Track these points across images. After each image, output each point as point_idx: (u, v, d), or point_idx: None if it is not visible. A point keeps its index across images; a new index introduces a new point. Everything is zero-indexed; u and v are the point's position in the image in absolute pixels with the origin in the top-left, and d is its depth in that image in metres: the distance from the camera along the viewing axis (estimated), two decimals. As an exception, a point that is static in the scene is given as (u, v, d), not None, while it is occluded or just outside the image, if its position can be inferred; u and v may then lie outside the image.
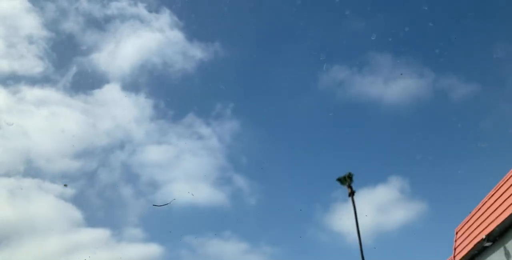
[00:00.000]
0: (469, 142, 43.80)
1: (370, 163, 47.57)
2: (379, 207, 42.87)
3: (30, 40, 48.45)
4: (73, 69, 48.56)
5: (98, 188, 42.66)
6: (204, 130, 48.43)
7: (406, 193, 43.39)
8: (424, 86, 49.55)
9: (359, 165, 47.91)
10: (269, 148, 49.86)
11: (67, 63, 49.68)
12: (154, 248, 38.06)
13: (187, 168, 45.27)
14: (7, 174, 40.01)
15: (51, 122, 44.88)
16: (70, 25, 50.46)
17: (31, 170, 41.02)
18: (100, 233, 38.31)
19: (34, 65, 47.13)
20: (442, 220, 39.63)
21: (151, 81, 51.69)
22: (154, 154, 45.85)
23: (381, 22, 54.59)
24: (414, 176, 44.27)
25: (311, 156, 49.32)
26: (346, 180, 32.57)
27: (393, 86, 50.42)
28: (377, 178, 44.81)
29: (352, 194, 32.28)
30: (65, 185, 40.58)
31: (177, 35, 52.76)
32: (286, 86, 54.50)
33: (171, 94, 52.36)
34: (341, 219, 41.14)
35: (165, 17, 52.98)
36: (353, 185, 32.60)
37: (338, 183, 33.10)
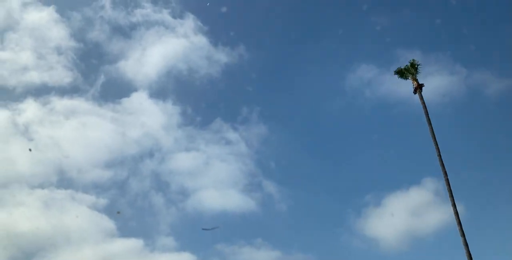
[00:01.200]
0: (508, 140, 42.42)
1: (403, 165, 46.56)
2: (413, 210, 41.83)
3: (59, 51, 49.26)
4: (101, 78, 49.20)
5: (129, 197, 42.99)
6: (232, 135, 48.36)
7: (441, 195, 42.13)
8: (456, 82, 48.22)
9: (391, 167, 46.87)
10: (297, 151, 49.47)
11: (95, 72, 50.23)
12: (186, 257, 38.03)
13: (216, 174, 45.21)
14: (41, 186, 40.77)
15: (81, 132, 45.48)
16: (96, 34, 51.12)
17: (63, 181, 41.69)
18: (134, 243, 38.49)
19: (63, 76, 47.92)
20: (480, 223, 38.41)
21: (177, 88, 51.95)
22: (183, 161, 45.96)
23: (408, 18, 53.42)
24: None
25: (341, 159, 48.70)
26: (409, 70, 27.01)
27: (424, 83, 49.21)
28: (410, 181, 43.77)
29: (419, 88, 26.73)
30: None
31: (201, 40, 52.85)
32: (313, 87, 53.99)
33: (197, 100, 52.59)
34: (374, 224, 40.68)
35: (189, 23, 53.13)
36: (418, 77, 26.45)
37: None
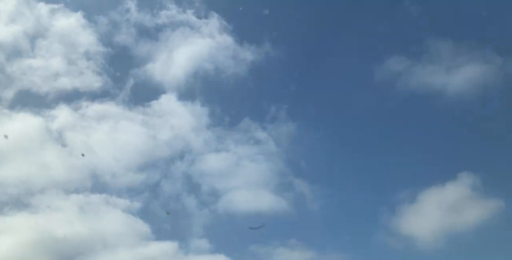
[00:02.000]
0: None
1: (437, 160, 45.36)
2: (450, 207, 40.79)
3: (88, 56, 49.93)
4: (130, 82, 49.65)
5: (162, 200, 43.45)
6: (261, 134, 48.10)
7: (478, 190, 40.93)
8: (491, 72, 46.48)
9: (425, 162, 45.76)
10: (327, 149, 48.78)
11: (124, 76, 50.66)
12: (221, 259, 38.24)
13: (247, 175, 45.13)
14: (76, 191, 41.62)
15: (113, 137, 46.13)
16: (124, 37, 51.52)
17: (98, 185, 42.41)
18: (168, 246, 38.95)
19: (93, 81, 48.56)
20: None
21: (205, 88, 51.94)
22: (213, 162, 46.06)
23: (438, 5, 51.69)
24: (486, 172, 41.59)
25: (372, 155, 47.78)
26: None
27: (457, 74, 47.70)
28: (445, 176, 42.42)
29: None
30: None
31: (227, 39, 52.60)
32: (341, 82, 53.06)
33: (225, 100, 52.39)
34: (409, 221, 39.84)
35: (213, 22, 52.93)
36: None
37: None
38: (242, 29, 54.30)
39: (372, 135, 49.67)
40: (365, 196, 44.49)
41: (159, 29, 52.87)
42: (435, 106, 48.38)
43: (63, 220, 39.21)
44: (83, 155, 42.48)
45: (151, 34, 52.70)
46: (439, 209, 40.49)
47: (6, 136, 38.59)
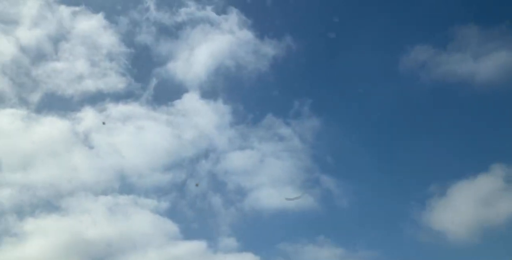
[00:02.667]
0: None
1: (468, 151, 44.14)
2: (482, 199, 39.60)
3: (111, 57, 50.24)
4: (153, 81, 49.84)
5: (189, 199, 43.54)
6: (284, 130, 47.67)
7: None
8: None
9: (455, 154, 44.55)
10: (353, 143, 47.99)
11: (147, 76, 50.90)
12: (249, 258, 38.10)
13: (272, 172, 44.81)
14: (104, 192, 42.06)
15: (139, 137, 46.42)
16: (144, 36, 51.65)
17: (125, 186, 42.76)
18: (197, 245, 39.03)
19: (117, 82, 48.92)
20: None
21: (227, 86, 51.74)
22: (238, 160, 45.90)
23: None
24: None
25: (400, 148, 46.80)
26: None
27: (485, 61, 46.26)
28: (477, 168, 41.18)
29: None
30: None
31: (247, 35, 52.18)
32: (364, 74, 52.07)
33: (247, 97, 52.09)
34: (440, 216, 38.90)
35: (233, 17, 52.54)
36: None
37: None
38: (262, 24, 53.80)
39: (399, 128, 48.78)
40: (393, 190, 43.69)
41: (179, 27, 52.86)
42: (463, 96, 47.17)
43: (93, 222, 39.69)
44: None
45: (171, 32, 52.75)
46: (471, 202, 39.47)
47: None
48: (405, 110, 49.46)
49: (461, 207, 38.89)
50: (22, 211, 39.61)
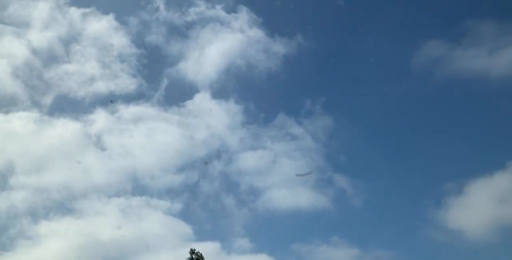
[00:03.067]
0: None
1: (484, 148, 43.23)
2: (500, 197, 38.75)
3: (121, 58, 50.22)
4: (164, 82, 49.72)
5: (202, 200, 43.39)
6: (296, 130, 47.21)
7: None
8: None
9: (471, 151, 43.78)
10: (366, 142, 47.42)
11: (158, 76, 50.88)
12: (264, 259, 37.80)
13: (285, 172, 44.32)
14: (117, 194, 42.05)
15: (151, 139, 46.38)
16: (155, 37, 51.52)
17: (138, 188, 42.73)
18: (211, 247, 38.65)
19: (128, 83, 48.86)
20: None
21: (238, 85, 51.46)
22: (250, 160, 45.61)
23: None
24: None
25: (414, 146, 46.10)
26: None
27: (501, 56, 45.31)
28: (493, 165, 40.37)
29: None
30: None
31: (257, 33, 51.74)
32: (376, 71, 51.39)
33: (259, 96, 51.75)
34: (457, 214, 38.15)
35: (243, 16, 52.13)
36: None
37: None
38: (272, 22, 53.34)
39: (413, 125, 48.03)
40: (408, 189, 43.11)
41: (189, 26, 52.65)
42: (478, 92, 46.28)
43: (106, 224, 39.68)
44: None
45: (181, 32, 52.57)
46: (488, 200, 38.68)
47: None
48: (419, 107, 48.81)
49: (478, 205, 38.23)
50: (37, 214, 39.84)
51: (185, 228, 39.95)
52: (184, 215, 41.31)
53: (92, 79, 48.86)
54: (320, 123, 47.98)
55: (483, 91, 46.23)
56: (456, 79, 47.15)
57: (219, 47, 51.96)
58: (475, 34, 47.26)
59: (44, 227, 39.39)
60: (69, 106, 47.98)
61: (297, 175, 35.86)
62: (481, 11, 48.95)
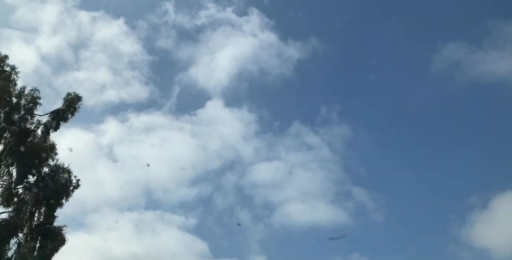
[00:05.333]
0: None
1: (510, 160, 41.46)
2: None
3: (132, 64, 49.02)
4: (176, 89, 48.46)
5: (216, 214, 42.19)
6: (312, 139, 45.75)
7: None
8: None
9: (495, 163, 42.03)
10: (387, 152, 45.97)
11: (169, 83, 49.70)
12: (283, 277, 36.68)
13: (301, 185, 43.07)
14: (130, 208, 41.01)
15: (163, 149, 45.23)
16: (164, 41, 50.13)
17: (151, 202, 41.67)
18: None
19: (139, 91, 47.72)
20: None
21: (251, 92, 50.06)
22: (265, 172, 44.34)
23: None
24: None
25: (437, 157, 44.53)
26: None
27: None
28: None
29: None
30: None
31: (270, 37, 50.21)
32: (395, 76, 49.75)
33: (272, 104, 50.39)
34: (482, 231, 36.63)
35: (254, 19, 50.60)
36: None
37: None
38: (285, 25, 51.64)
39: (434, 134, 46.47)
40: (431, 203, 41.52)
41: (199, 30, 51.26)
42: (503, 98, 44.30)
43: (120, 239, 38.63)
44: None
45: (191, 35, 51.15)
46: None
47: None
48: (440, 115, 47.10)
49: (505, 221, 36.32)
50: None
51: (201, 245, 38.87)
52: (199, 231, 40.33)
53: (103, 87, 47.77)
54: (337, 132, 46.54)
55: (507, 97, 44.32)
56: (478, 84, 45.39)
57: (230, 52, 50.65)
58: (497, 35, 45.36)
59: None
60: (79, 115, 46.68)
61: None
62: (502, 11, 47.03)
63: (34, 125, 19.30)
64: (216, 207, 42.31)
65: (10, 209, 18.38)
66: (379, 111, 48.46)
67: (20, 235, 18.39)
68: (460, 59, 45.17)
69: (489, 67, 44.15)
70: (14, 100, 18.90)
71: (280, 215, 41.00)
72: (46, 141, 19.40)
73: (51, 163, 19.24)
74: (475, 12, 48.57)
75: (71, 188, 19.26)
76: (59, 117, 19.96)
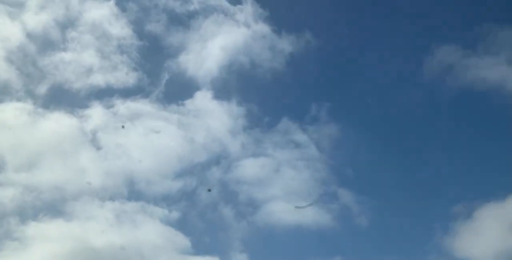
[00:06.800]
0: None
1: (498, 169, 41.16)
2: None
3: (122, 49, 47.48)
4: (165, 76, 47.10)
5: (200, 209, 41.35)
6: (300, 137, 44.99)
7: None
8: None
9: (483, 171, 42.00)
10: (374, 154, 45.46)
11: (158, 70, 48.03)
12: (263, 277, 36.36)
13: (287, 184, 42.35)
14: (112, 198, 39.99)
15: (148, 139, 43.98)
16: (154, 25, 48.52)
17: (134, 193, 40.66)
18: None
19: (127, 76, 46.25)
20: None
21: (240, 85, 48.83)
22: (251, 168, 43.39)
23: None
24: None
25: (425, 162, 44.32)
26: None
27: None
28: (508, 187, 37.23)
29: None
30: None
31: (263, 28, 49.07)
32: (388, 78, 49.32)
33: (262, 98, 49.10)
34: (465, 242, 36.78)
35: (248, 8, 49.39)
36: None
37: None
38: (279, 17, 50.35)
39: (423, 139, 46.13)
40: (416, 209, 41.28)
41: (191, 16, 49.65)
42: (494, 104, 44.19)
43: (99, 229, 37.77)
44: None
45: (182, 21, 49.56)
46: (500, 226, 36.61)
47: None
48: (430, 119, 46.89)
49: (489, 232, 36.36)
50: (25, 214, 37.74)
51: (183, 240, 38.18)
52: (182, 225, 39.47)
53: (89, 70, 46.14)
54: (325, 131, 45.88)
55: (499, 105, 44.23)
56: (470, 90, 45.18)
57: (222, 41, 49.26)
58: (493, 41, 45.08)
59: (32, 228, 37.38)
60: (64, 98, 45.28)
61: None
62: (500, 16, 46.76)
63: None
64: (200, 202, 41.54)
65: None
66: (367, 112, 47.93)
67: None
68: (453, 63, 44.89)
69: (482, 73, 43.94)
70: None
71: (263, 213, 40.49)
72: None
73: None
74: (471, 15, 48.32)
75: None
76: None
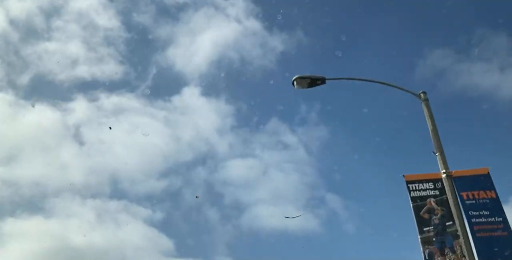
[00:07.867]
0: None
1: (494, 174, 40.63)
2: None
3: (109, 41, 45.77)
4: (152, 70, 45.31)
5: (184, 211, 39.65)
6: (289, 138, 43.49)
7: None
8: None
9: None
10: (365, 159, 44.33)
11: (145, 64, 46.26)
12: (248, 282, 35.05)
13: (274, 186, 40.74)
14: (93, 196, 38.28)
15: (133, 135, 42.30)
16: (143, 17, 46.75)
17: (116, 191, 38.80)
18: (193, 264, 35.84)
19: (113, 70, 44.52)
20: None
21: (230, 82, 47.12)
22: (237, 169, 41.77)
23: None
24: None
25: (415, 167, 43.54)
26: None
27: (512, 73, 42.78)
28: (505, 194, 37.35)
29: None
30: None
31: (254, 24, 47.60)
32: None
33: (251, 97, 47.68)
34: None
35: (239, 3, 48.02)
36: None
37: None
38: (271, 13, 49.06)
39: (414, 143, 45.33)
40: (403, 218, 39.97)
41: (181, 8, 47.88)
42: (485, 112, 43.47)
43: (80, 227, 36.12)
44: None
45: (172, 13, 47.91)
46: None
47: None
48: (421, 124, 45.85)
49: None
50: (2, 210, 35.77)
51: (167, 242, 36.54)
52: (166, 227, 37.77)
53: (74, 62, 44.34)
54: (315, 133, 44.54)
55: (491, 112, 43.59)
56: (461, 95, 44.41)
57: (211, 35, 47.53)
58: (486, 46, 44.60)
59: (9, 225, 35.43)
60: (47, 90, 43.35)
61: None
62: (494, 21, 46.27)
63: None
64: (185, 203, 39.89)
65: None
66: (357, 115, 46.69)
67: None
68: (445, 67, 44.19)
69: (474, 79, 43.36)
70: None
71: (249, 216, 38.96)
72: None
73: None
74: (465, 19, 47.84)
75: None
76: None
